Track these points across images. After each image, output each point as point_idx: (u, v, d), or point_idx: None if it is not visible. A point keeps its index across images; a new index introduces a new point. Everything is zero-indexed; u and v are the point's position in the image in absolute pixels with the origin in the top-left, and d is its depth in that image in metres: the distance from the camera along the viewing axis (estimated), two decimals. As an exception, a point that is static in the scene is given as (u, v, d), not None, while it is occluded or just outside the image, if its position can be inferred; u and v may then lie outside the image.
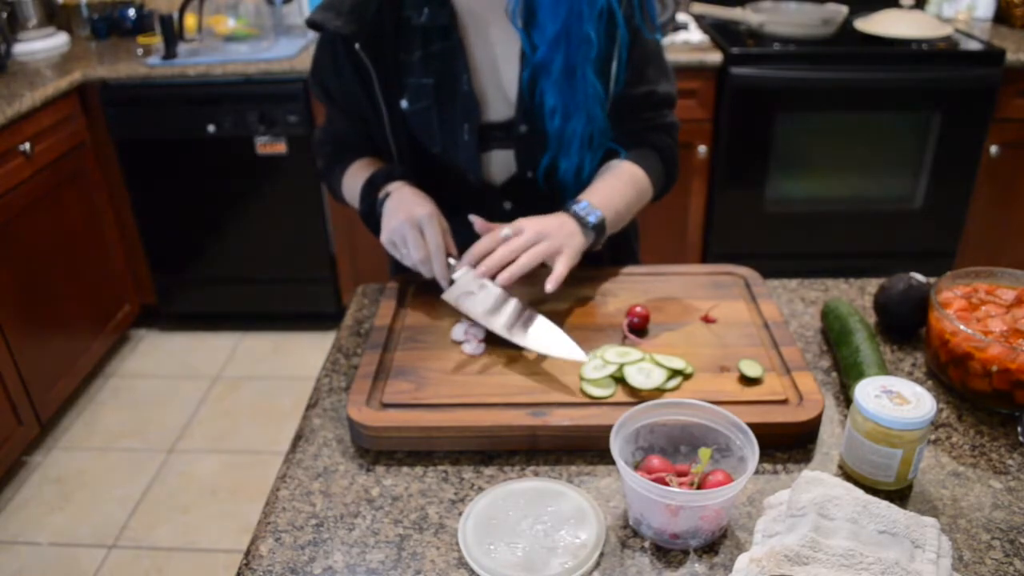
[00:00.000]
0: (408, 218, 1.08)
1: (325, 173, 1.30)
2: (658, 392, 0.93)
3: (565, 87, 1.10)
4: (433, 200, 1.13)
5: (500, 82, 1.16)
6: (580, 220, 1.10)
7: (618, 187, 1.17)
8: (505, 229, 1.06)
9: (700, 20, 2.76)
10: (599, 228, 1.11)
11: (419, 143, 1.20)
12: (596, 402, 0.92)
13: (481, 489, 0.85)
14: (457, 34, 1.13)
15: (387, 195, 1.14)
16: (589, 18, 1.07)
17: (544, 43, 1.08)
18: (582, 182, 1.19)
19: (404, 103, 1.16)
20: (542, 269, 1.05)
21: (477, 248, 1.06)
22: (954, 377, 0.97)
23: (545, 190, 1.20)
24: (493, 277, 1.04)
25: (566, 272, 1.04)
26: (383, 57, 1.14)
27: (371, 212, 1.17)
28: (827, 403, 0.97)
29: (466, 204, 1.20)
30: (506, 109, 1.17)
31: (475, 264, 1.06)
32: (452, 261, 1.09)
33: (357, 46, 1.11)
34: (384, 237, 1.11)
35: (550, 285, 1.03)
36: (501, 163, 1.21)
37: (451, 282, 1.08)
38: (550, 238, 1.05)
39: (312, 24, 1.13)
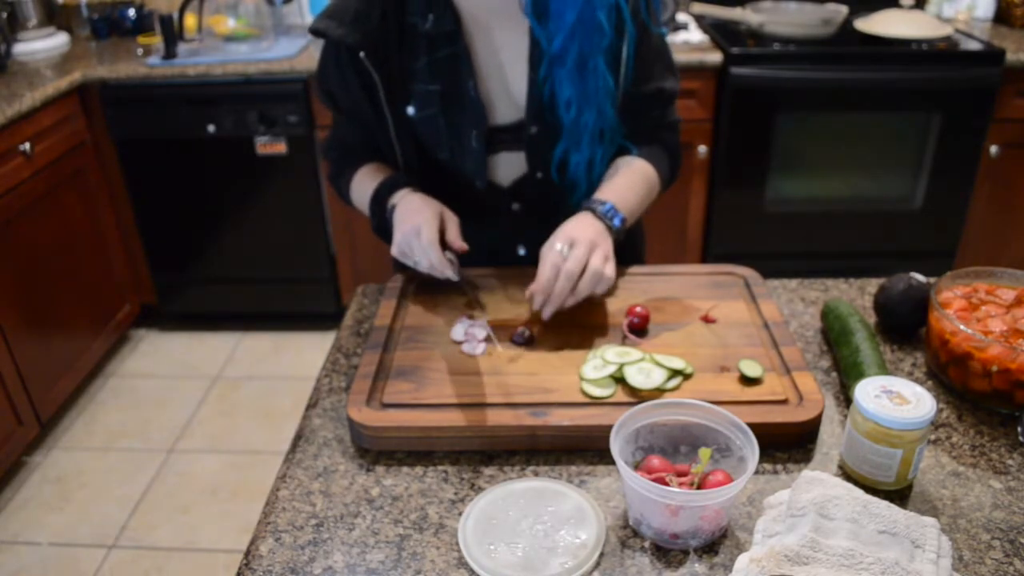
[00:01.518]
0: (410, 228, 1.09)
1: (333, 179, 1.31)
2: (658, 392, 0.93)
3: (578, 78, 1.11)
4: (438, 200, 1.13)
5: (507, 86, 1.16)
6: (607, 223, 1.11)
7: (633, 185, 1.18)
8: (561, 246, 1.05)
9: (700, 20, 2.76)
10: (620, 230, 1.13)
11: (425, 149, 1.20)
12: (596, 402, 0.92)
13: (481, 489, 0.85)
14: (463, 40, 1.13)
15: (394, 207, 1.15)
16: (601, 6, 1.08)
17: (561, 32, 1.08)
18: (593, 177, 1.20)
19: (411, 110, 1.16)
20: None
21: (548, 279, 1.05)
22: (954, 377, 0.97)
23: (557, 186, 1.21)
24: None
25: (606, 289, 1.07)
26: (388, 64, 1.13)
27: (382, 227, 1.18)
28: (827, 403, 0.97)
29: (474, 206, 1.21)
30: (513, 112, 1.17)
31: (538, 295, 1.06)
32: (450, 255, 1.09)
33: (362, 55, 1.11)
34: (394, 251, 1.12)
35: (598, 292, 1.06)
36: (509, 164, 1.21)
37: (455, 265, 1.10)
38: (599, 248, 1.06)
39: (315, 32, 1.12)
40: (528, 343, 1.03)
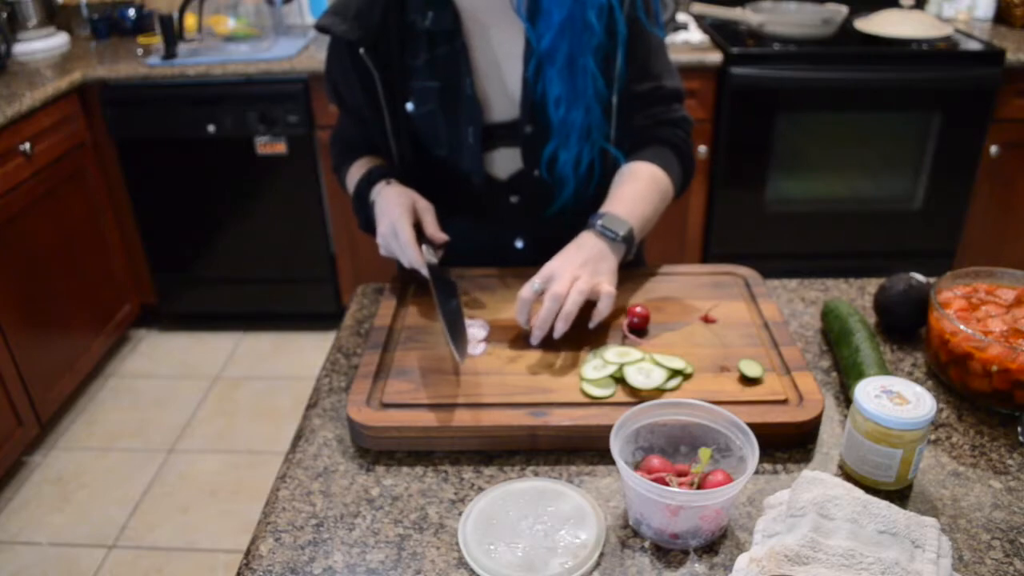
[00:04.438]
0: (388, 229, 1.11)
1: (336, 172, 1.33)
2: (658, 392, 0.93)
3: (567, 76, 1.11)
4: (416, 191, 1.15)
5: (504, 83, 1.17)
6: (608, 237, 1.08)
7: (640, 191, 1.16)
8: (535, 282, 1.03)
9: (700, 20, 2.76)
10: (628, 239, 1.10)
11: (422, 145, 1.21)
12: (596, 402, 0.92)
13: (481, 489, 0.85)
14: (461, 38, 1.13)
15: (374, 204, 1.17)
16: (592, 6, 1.08)
17: (550, 30, 1.08)
18: (580, 174, 1.19)
19: (410, 106, 1.17)
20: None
21: (522, 315, 1.03)
22: (954, 377, 0.97)
23: (549, 182, 1.21)
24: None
25: (611, 307, 1.03)
26: (388, 61, 1.15)
27: (369, 225, 1.20)
28: (827, 403, 0.97)
29: (472, 200, 1.22)
30: (510, 109, 1.18)
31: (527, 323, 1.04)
32: (425, 248, 1.10)
33: (361, 51, 1.12)
34: (381, 251, 1.15)
35: (593, 323, 1.03)
36: (506, 159, 1.21)
37: (429, 266, 1.09)
38: (584, 274, 1.03)
39: (320, 28, 1.14)
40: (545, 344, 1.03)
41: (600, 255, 1.07)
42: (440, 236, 1.14)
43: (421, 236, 1.13)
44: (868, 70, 2.44)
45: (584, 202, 1.22)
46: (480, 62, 1.16)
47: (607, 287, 1.03)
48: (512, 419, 0.89)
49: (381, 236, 1.13)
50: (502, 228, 1.27)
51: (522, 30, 1.12)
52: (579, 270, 1.04)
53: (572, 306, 1.00)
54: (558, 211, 1.23)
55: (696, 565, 0.76)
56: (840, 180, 2.63)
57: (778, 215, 2.67)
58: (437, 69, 1.14)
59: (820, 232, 2.70)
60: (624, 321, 1.06)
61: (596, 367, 0.96)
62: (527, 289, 1.03)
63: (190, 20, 2.65)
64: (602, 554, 0.77)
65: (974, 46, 2.49)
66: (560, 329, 1.01)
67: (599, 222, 1.09)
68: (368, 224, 1.21)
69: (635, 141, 1.22)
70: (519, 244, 1.28)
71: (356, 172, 1.23)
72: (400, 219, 1.10)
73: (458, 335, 0.99)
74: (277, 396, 2.65)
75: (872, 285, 1.22)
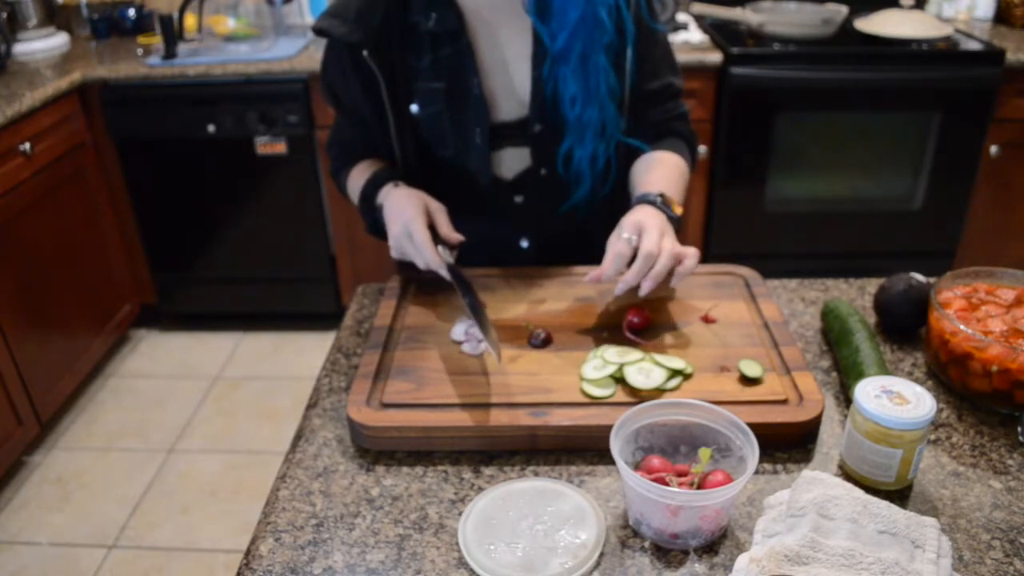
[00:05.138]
0: (401, 230, 1.10)
1: (334, 175, 1.32)
2: (658, 392, 0.93)
3: (581, 75, 1.11)
4: (424, 192, 1.15)
5: (511, 83, 1.16)
6: (666, 213, 1.08)
7: (672, 177, 1.18)
8: (627, 236, 1.03)
9: (700, 20, 2.76)
10: (679, 221, 1.10)
11: (427, 147, 1.21)
12: (596, 402, 0.92)
13: (481, 489, 0.85)
14: (466, 38, 1.13)
15: (381, 207, 1.16)
16: (602, 4, 1.09)
17: (564, 29, 1.09)
18: (596, 171, 1.20)
19: (415, 108, 1.17)
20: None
21: (613, 269, 1.02)
22: (954, 377, 0.97)
23: (560, 179, 1.21)
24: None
25: (695, 266, 1.04)
26: (391, 63, 1.14)
27: (375, 227, 1.20)
28: (827, 403, 0.97)
29: (476, 199, 1.22)
30: (517, 108, 1.17)
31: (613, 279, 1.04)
32: (441, 248, 1.10)
33: (365, 53, 1.11)
34: (393, 254, 1.14)
35: (675, 281, 1.03)
36: (513, 159, 1.21)
37: (448, 266, 1.08)
38: (666, 235, 1.03)
39: (318, 31, 1.13)
40: (545, 344, 1.03)
41: (665, 225, 1.07)
42: (455, 236, 1.13)
43: (435, 237, 1.12)
44: (868, 70, 2.44)
45: (598, 200, 1.22)
46: (486, 62, 1.15)
47: (692, 260, 1.03)
48: (512, 419, 0.89)
49: (394, 239, 1.11)
50: (507, 228, 1.27)
51: (528, 29, 1.12)
52: (663, 227, 1.04)
53: (663, 268, 1.00)
54: (571, 209, 1.23)
55: (696, 565, 0.76)
56: (840, 180, 2.63)
57: (778, 215, 2.67)
58: (442, 70, 1.14)
59: (820, 232, 2.69)
60: (624, 321, 1.06)
61: (596, 367, 0.96)
62: (624, 243, 1.02)
63: (190, 20, 2.65)
64: (602, 554, 0.77)
65: (974, 46, 2.49)
66: (648, 287, 1.00)
67: (658, 199, 1.09)
68: (375, 227, 1.20)
69: (652, 135, 1.24)
70: (524, 244, 1.28)
71: (359, 176, 1.22)
72: (414, 220, 1.09)
73: (490, 334, 0.99)
74: (277, 396, 2.65)
75: (872, 285, 1.22)
